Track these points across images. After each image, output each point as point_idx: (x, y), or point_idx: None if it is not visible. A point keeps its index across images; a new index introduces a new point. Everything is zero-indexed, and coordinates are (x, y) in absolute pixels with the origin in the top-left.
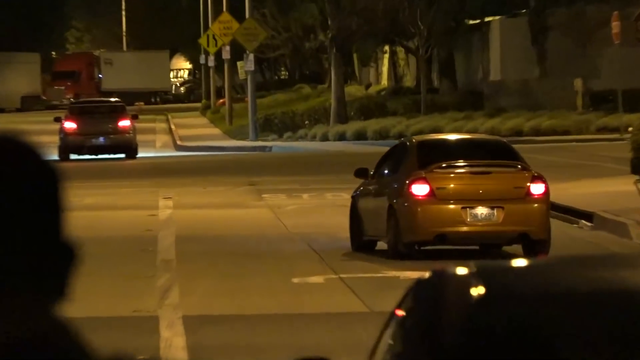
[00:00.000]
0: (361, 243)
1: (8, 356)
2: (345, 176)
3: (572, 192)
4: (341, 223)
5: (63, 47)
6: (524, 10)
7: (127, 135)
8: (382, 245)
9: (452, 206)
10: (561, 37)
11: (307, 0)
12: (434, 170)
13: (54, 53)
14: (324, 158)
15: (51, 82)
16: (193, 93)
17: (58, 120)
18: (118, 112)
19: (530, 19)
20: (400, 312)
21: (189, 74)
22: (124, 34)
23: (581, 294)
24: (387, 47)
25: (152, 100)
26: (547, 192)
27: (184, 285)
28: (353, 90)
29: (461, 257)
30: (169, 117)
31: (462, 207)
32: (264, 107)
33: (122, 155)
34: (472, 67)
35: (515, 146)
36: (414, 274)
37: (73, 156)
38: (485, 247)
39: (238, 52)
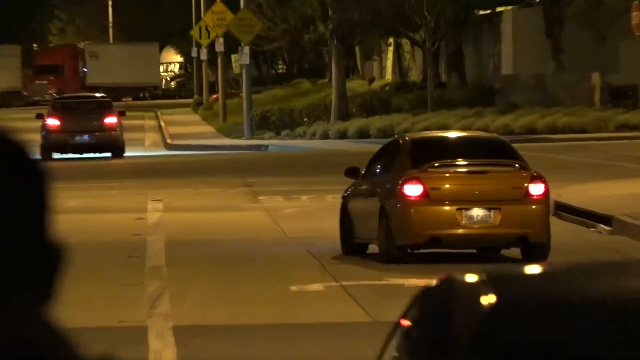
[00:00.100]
0: (352, 246)
1: None
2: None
3: (590, 194)
4: None
5: (45, 39)
6: (538, 0)
7: (113, 133)
8: (373, 248)
9: (446, 207)
10: (578, 29)
11: None
12: (428, 169)
13: (35, 45)
14: (324, 157)
15: (32, 76)
16: (184, 88)
17: (40, 117)
18: (104, 108)
19: (545, 8)
20: (405, 322)
21: (180, 68)
22: (111, 24)
23: (599, 303)
24: (391, 39)
25: (141, 95)
26: (547, 193)
27: (175, 293)
28: (355, 85)
29: (458, 261)
30: (159, 113)
31: (457, 209)
32: (260, 103)
33: (108, 155)
34: (482, 61)
35: (529, 145)
36: (420, 282)
37: (56, 155)
38: (483, 251)
39: (232, 45)
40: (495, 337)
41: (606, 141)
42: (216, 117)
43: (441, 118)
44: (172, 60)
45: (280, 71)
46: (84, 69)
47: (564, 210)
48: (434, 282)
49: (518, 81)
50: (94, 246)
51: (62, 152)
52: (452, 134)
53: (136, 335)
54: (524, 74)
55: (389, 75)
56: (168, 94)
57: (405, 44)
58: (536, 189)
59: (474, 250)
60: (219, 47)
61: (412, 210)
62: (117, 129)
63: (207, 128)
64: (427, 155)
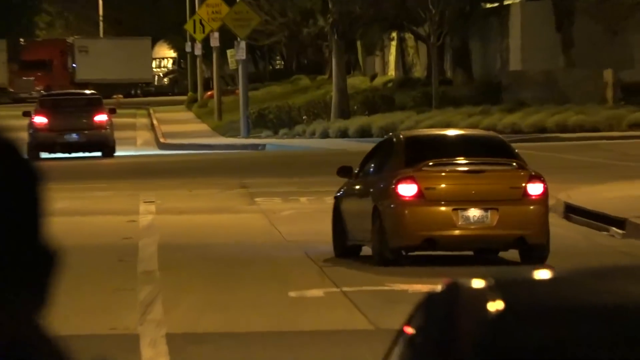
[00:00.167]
0: (345, 248)
1: None
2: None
3: (602, 195)
4: None
5: (33, 33)
6: None
7: (103, 131)
8: (367, 250)
9: (442, 208)
10: (589, 22)
11: None
12: (423, 168)
13: (22, 40)
14: (324, 157)
15: (19, 72)
16: (178, 85)
17: (27, 114)
18: (94, 105)
19: (555, 1)
20: (409, 330)
21: (174, 64)
22: (101, 18)
23: (610, 309)
24: (394, 34)
25: (132, 92)
26: (545, 193)
27: (168, 299)
28: (356, 81)
29: (458, 264)
30: (151, 111)
31: (453, 209)
32: (257, 100)
33: (98, 154)
34: (489, 56)
35: (538, 145)
36: (424, 287)
37: (44, 155)
38: (480, 253)
39: (228, 39)
40: (503, 344)
41: (619, 140)
42: (211, 115)
43: (446, 116)
44: (165, 56)
45: (278, 67)
46: (73, 65)
47: (575, 212)
48: (438, 287)
49: (526, 77)
50: (83, 250)
51: (50, 152)
52: (448, 132)
53: (128, 343)
54: (533, 70)
55: (391, 72)
56: (161, 90)
57: (409, 38)
58: (534, 188)
59: (471, 253)
60: (214, 41)
61: (406, 211)
62: (108, 128)
63: (202, 126)
64: (422, 153)
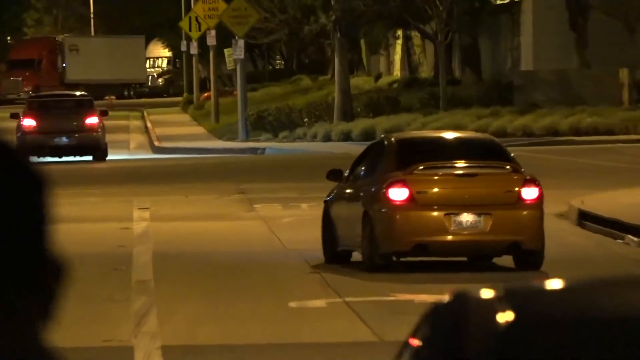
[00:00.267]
0: (335, 253)
1: None
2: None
3: (617, 201)
4: None
5: (20, 31)
6: None
7: (95, 134)
8: (358, 256)
9: (433, 213)
10: (604, 20)
11: None
12: (414, 172)
13: (9, 38)
14: (326, 162)
15: (6, 72)
16: (173, 85)
17: (15, 116)
18: (84, 107)
19: None
20: (415, 342)
21: (168, 63)
22: (92, 15)
23: (624, 320)
24: (400, 32)
25: (125, 93)
26: (540, 197)
27: (163, 310)
28: (360, 82)
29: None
30: (145, 113)
31: (445, 214)
32: (256, 102)
33: (90, 158)
34: (499, 55)
35: (550, 148)
36: (431, 298)
37: (32, 158)
38: (474, 259)
39: (225, 38)
40: (513, 356)
41: (635, 144)
42: (208, 117)
43: (454, 118)
44: (159, 55)
45: (277, 67)
46: (63, 64)
47: (588, 219)
48: (446, 298)
49: (539, 78)
50: (75, 259)
51: (39, 155)
52: (441, 134)
53: (121, 355)
54: (545, 69)
55: (397, 71)
56: (155, 91)
57: (415, 36)
58: (529, 193)
59: (464, 259)
60: (211, 40)
61: (397, 216)
62: (99, 130)
63: (198, 129)
64: (413, 156)
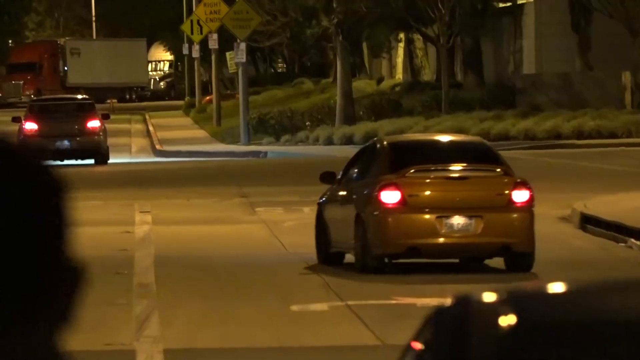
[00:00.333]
0: (328, 255)
1: None
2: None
3: (620, 205)
4: None
5: (21, 34)
6: None
7: (96, 137)
8: (351, 257)
9: (425, 215)
10: (607, 22)
11: None
12: (406, 175)
13: (10, 41)
14: (328, 165)
15: (7, 75)
16: (175, 89)
17: (17, 120)
18: (86, 111)
19: (571, 0)
20: (417, 345)
21: (170, 67)
22: (94, 18)
23: (627, 323)
24: (402, 35)
25: (127, 97)
26: (531, 200)
27: (165, 313)
28: (362, 85)
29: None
30: (147, 116)
31: (437, 217)
32: (258, 105)
33: (91, 161)
34: (502, 58)
35: (553, 151)
36: (433, 301)
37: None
38: (466, 261)
39: (227, 41)
40: None
41: (638, 147)
42: (210, 120)
43: (457, 121)
44: (161, 58)
45: (279, 70)
46: (65, 68)
47: (591, 223)
48: (448, 301)
49: (541, 81)
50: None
51: None
52: (432, 137)
53: (123, 359)
54: (548, 72)
55: (399, 75)
56: (157, 95)
57: (418, 39)
58: (520, 195)
59: (456, 260)
60: (213, 43)
61: (389, 219)
62: (101, 134)
63: (200, 132)
64: (405, 160)
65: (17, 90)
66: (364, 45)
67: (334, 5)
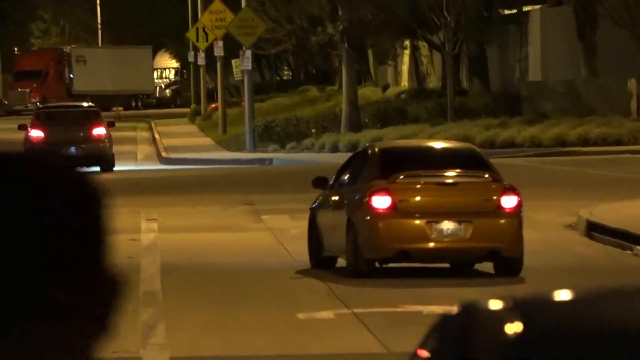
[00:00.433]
0: (320, 259)
1: None
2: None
3: (626, 212)
4: None
5: (27, 42)
6: None
7: (102, 145)
8: (343, 262)
9: (415, 221)
10: (613, 29)
11: None
12: (397, 181)
13: (16, 49)
14: (334, 172)
15: (13, 83)
16: (180, 96)
17: (23, 128)
18: (92, 118)
19: (577, 7)
20: (423, 353)
21: (176, 74)
22: (99, 26)
23: (634, 331)
24: (407, 42)
25: (133, 104)
26: (519, 206)
27: (171, 321)
28: (368, 92)
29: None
30: (152, 124)
31: (427, 222)
32: (264, 112)
33: (97, 169)
34: (507, 66)
35: (559, 159)
36: (439, 309)
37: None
38: (457, 265)
39: (233, 48)
40: None
41: None
42: (215, 128)
43: (462, 128)
44: (166, 66)
45: (285, 77)
46: (70, 75)
47: (597, 230)
48: (454, 309)
49: (547, 88)
50: None
51: None
52: (423, 144)
53: None
54: (553, 79)
55: (404, 82)
56: (162, 102)
57: (423, 47)
58: (508, 201)
59: (447, 265)
60: (218, 51)
61: (379, 224)
62: (106, 141)
63: (206, 140)
64: (396, 165)
65: (22, 98)
66: (370, 52)
67: (339, 12)
